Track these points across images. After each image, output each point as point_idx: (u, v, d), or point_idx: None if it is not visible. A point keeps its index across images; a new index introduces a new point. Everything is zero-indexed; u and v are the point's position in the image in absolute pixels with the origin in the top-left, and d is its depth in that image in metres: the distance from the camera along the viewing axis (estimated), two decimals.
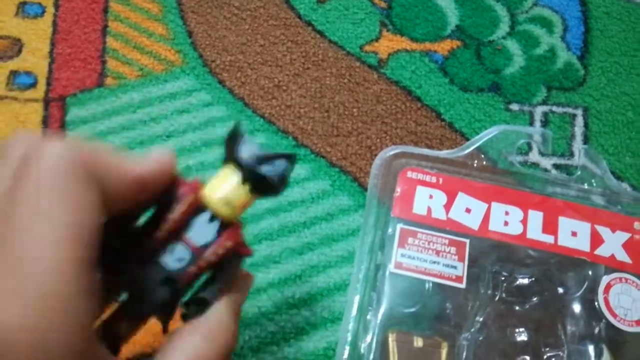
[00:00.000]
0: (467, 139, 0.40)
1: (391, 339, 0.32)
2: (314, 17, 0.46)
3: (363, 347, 0.32)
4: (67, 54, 0.43)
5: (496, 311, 0.33)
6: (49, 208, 0.19)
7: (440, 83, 0.43)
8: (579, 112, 0.42)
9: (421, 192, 0.36)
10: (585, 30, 0.45)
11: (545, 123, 0.41)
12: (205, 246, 0.25)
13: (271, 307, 0.35)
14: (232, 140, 0.26)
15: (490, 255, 0.34)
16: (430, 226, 0.35)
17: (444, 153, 0.38)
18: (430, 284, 0.33)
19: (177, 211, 0.24)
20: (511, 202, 0.36)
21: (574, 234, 0.35)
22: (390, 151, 0.38)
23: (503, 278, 0.34)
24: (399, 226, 0.35)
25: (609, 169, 0.38)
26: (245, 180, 0.25)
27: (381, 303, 0.33)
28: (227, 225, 0.25)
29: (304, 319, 0.35)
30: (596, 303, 0.33)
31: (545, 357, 0.32)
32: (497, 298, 0.33)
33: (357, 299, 0.33)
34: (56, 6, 0.45)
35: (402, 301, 0.33)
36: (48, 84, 0.42)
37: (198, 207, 0.25)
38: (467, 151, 0.38)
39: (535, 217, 0.35)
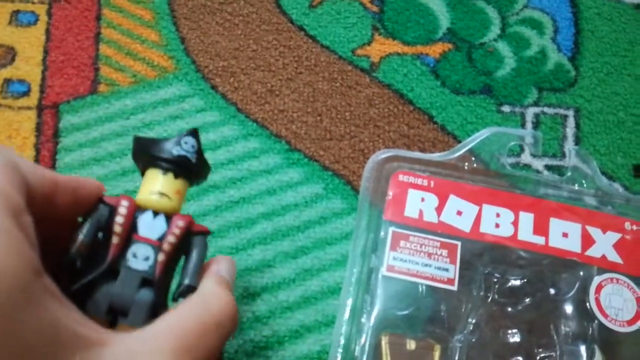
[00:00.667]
0: (459, 142, 0.40)
1: (384, 341, 0.32)
2: (306, 21, 0.46)
3: (356, 350, 0.32)
4: (60, 62, 0.43)
5: (489, 313, 0.33)
6: None
7: (432, 86, 0.43)
8: (570, 113, 0.42)
9: (413, 195, 0.36)
10: (576, 32, 0.45)
11: (536, 124, 0.41)
12: (162, 237, 0.26)
13: (265, 311, 0.35)
14: (138, 150, 0.28)
15: (482, 257, 0.34)
16: (422, 229, 0.35)
17: (435, 156, 0.38)
18: (424, 286, 0.34)
19: (121, 216, 0.25)
20: (502, 204, 0.36)
21: (565, 235, 0.35)
22: (382, 154, 0.38)
23: (495, 280, 0.34)
24: (391, 229, 0.35)
25: (601, 170, 0.38)
26: (166, 170, 0.27)
27: (374, 306, 0.33)
28: (172, 216, 0.27)
29: (298, 323, 0.35)
30: (588, 304, 0.33)
31: (538, 357, 0.32)
32: (489, 300, 0.33)
33: (350, 302, 0.33)
34: (49, 14, 0.45)
35: (396, 304, 0.33)
36: (41, 91, 0.42)
37: (138, 211, 0.26)
38: (458, 154, 0.38)
39: (526, 219, 0.35)
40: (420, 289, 0.34)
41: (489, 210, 0.36)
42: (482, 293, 0.34)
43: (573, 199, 0.37)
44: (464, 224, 0.35)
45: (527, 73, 0.44)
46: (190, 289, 0.26)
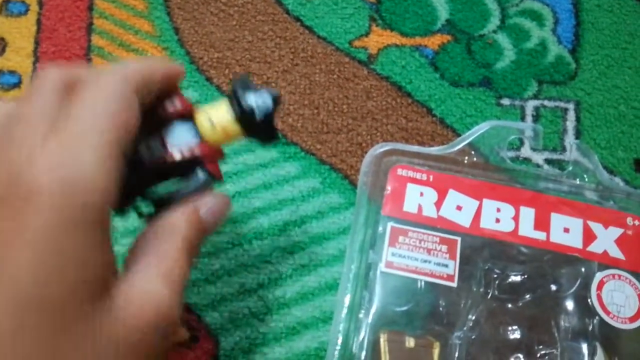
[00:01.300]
0: (459, 135, 0.40)
1: (383, 339, 0.31)
2: (302, 12, 0.45)
3: (354, 346, 0.31)
4: (51, 53, 0.42)
5: (489, 309, 0.33)
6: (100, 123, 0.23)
7: (431, 78, 0.42)
8: (571, 106, 0.41)
9: (412, 189, 0.36)
10: (576, 23, 0.45)
11: (536, 117, 0.41)
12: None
13: (262, 308, 0.34)
14: (236, 81, 0.28)
15: (482, 253, 0.34)
16: (421, 224, 0.34)
17: (434, 150, 0.38)
18: (423, 282, 0.33)
19: (169, 107, 0.27)
20: (502, 199, 0.35)
21: (566, 230, 0.34)
22: (380, 148, 0.37)
23: (495, 276, 0.33)
24: (390, 224, 0.35)
25: (602, 164, 0.38)
26: (233, 110, 0.27)
27: (373, 302, 0.33)
28: (205, 144, 0.27)
29: (295, 319, 0.34)
30: (589, 300, 0.33)
31: (538, 354, 0.32)
32: (489, 296, 0.33)
33: (347, 298, 0.33)
34: (40, 4, 0.44)
35: (394, 300, 0.33)
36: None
37: (185, 115, 0.27)
38: (457, 147, 0.37)
39: (527, 214, 0.35)
40: (419, 285, 0.33)
41: (489, 205, 0.35)
42: (482, 289, 0.33)
43: (574, 194, 0.36)
44: (464, 219, 0.35)
45: (527, 65, 0.43)
46: (162, 202, 0.27)
